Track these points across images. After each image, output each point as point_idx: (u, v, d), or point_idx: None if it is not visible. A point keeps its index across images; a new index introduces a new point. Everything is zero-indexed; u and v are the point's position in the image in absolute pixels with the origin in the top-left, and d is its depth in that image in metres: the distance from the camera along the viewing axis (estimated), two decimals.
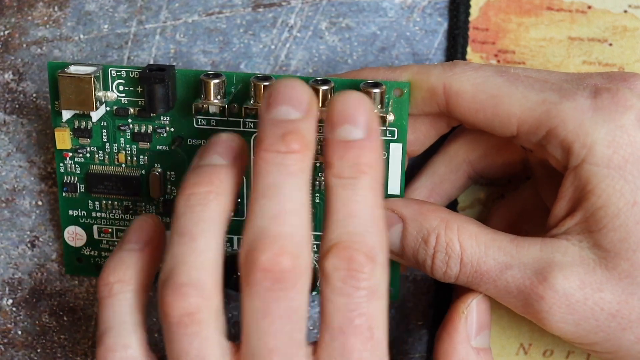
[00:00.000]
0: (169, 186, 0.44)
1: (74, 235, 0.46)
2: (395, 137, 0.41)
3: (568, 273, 0.38)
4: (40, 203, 0.48)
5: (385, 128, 0.41)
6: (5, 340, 0.49)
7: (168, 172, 0.44)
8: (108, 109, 0.43)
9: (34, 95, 0.47)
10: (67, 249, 0.46)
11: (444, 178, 0.44)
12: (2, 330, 0.49)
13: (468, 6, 0.45)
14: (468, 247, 0.39)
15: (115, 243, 0.45)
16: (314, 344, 0.36)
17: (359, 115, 0.36)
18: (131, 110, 0.42)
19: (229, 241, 0.44)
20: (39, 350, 0.49)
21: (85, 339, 0.49)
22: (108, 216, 0.45)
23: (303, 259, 0.35)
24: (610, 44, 0.45)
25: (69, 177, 0.44)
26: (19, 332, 0.49)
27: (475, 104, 0.39)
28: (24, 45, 0.47)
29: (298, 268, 0.35)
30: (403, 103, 0.41)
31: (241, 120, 0.42)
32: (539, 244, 0.39)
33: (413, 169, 0.47)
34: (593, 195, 0.38)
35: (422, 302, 0.49)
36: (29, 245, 0.49)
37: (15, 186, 0.48)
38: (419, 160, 0.46)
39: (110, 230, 0.45)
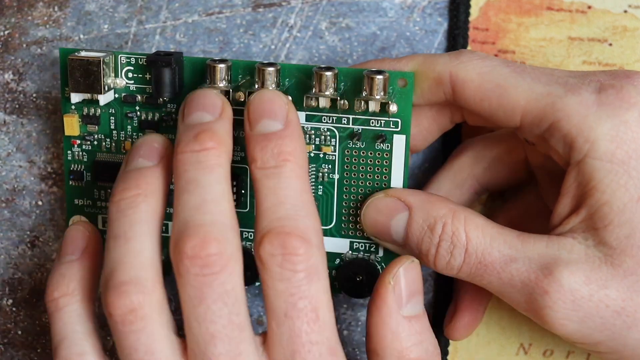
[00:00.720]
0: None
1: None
2: (399, 129, 0.41)
3: (574, 269, 0.38)
4: (40, 203, 0.48)
5: (388, 118, 0.41)
6: (5, 340, 0.49)
7: None
8: (117, 95, 0.43)
9: (34, 95, 0.47)
10: None
11: (449, 194, 0.44)
12: (2, 330, 0.49)
13: (468, 6, 0.45)
14: (474, 237, 0.39)
15: None
16: (263, 334, 0.37)
17: (274, 108, 0.38)
18: (139, 97, 0.43)
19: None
20: (39, 350, 0.49)
21: None
22: None
23: (229, 243, 0.35)
24: (610, 44, 0.45)
25: (75, 165, 0.44)
26: (19, 332, 0.49)
27: (481, 92, 0.39)
28: (24, 45, 0.47)
29: (224, 252, 0.35)
30: (407, 94, 0.41)
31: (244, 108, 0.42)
32: (545, 241, 0.39)
33: (418, 181, 0.47)
34: (597, 191, 0.37)
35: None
36: (29, 245, 0.49)
37: (15, 186, 0.48)
38: (422, 176, 0.46)
39: None
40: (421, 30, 0.46)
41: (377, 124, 0.41)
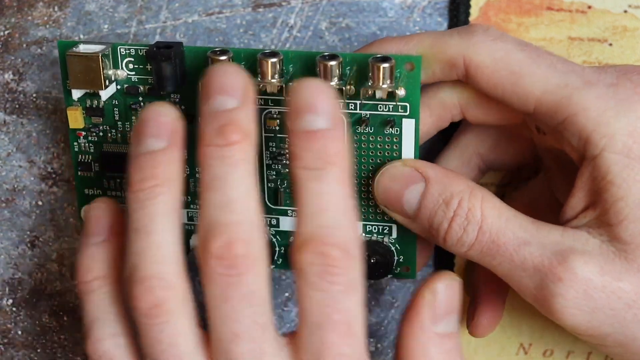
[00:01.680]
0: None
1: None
2: (408, 113, 0.41)
3: (588, 259, 0.37)
4: (40, 203, 0.48)
5: (395, 103, 0.41)
6: (5, 340, 0.49)
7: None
8: (119, 87, 0.42)
9: (34, 95, 0.47)
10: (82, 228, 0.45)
11: (456, 170, 0.43)
12: (2, 330, 0.49)
13: (468, 6, 0.45)
14: (489, 216, 0.38)
15: None
16: (290, 335, 0.36)
17: (321, 103, 0.35)
18: (141, 88, 0.42)
19: None
20: (39, 350, 0.49)
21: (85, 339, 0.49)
22: (123, 195, 0.44)
23: (255, 243, 0.35)
24: (610, 44, 0.45)
25: (83, 156, 0.44)
26: (19, 332, 0.49)
27: (495, 79, 0.39)
28: (24, 45, 0.47)
29: (251, 253, 0.35)
30: (415, 77, 0.40)
31: None
32: (560, 231, 0.38)
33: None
34: (613, 186, 0.37)
35: None
36: (29, 245, 0.49)
37: (15, 186, 0.48)
38: (427, 153, 0.46)
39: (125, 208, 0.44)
40: (421, 31, 0.46)
41: (385, 109, 0.41)
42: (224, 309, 0.35)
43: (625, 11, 0.45)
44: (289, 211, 0.43)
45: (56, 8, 0.47)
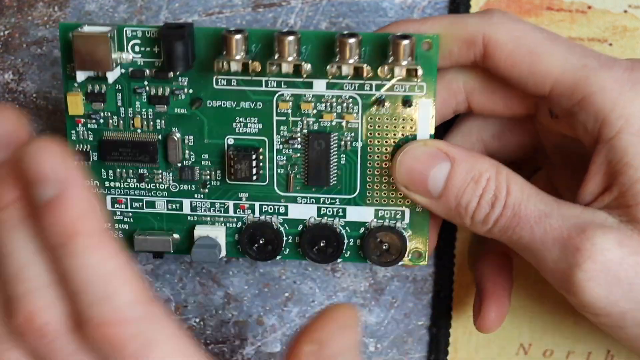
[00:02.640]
0: (187, 151, 0.42)
1: None
2: (424, 93, 0.40)
3: (607, 232, 0.37)
4: None
5: (413, 83, 0.40)
6: None
7: (186, 137, 0.42)
8: (123, 71, 0.41)
9: (34, 95, 0.47)
10: None
11: None
12: None
13: (468, 6, 0.45)
14: (514, 191, 0.39)
15: (130, 214, 0.43)
16: None
17: (43, 168, 0.31)
18: (147, 72, 0.41)
19: (250, 208, 0.43)
20: None
21: None
22: (122, 185, 0.43)
23: (50, 308, 0.32)
24: (610, 44, 0.45)
25: (81, 145, 0.43)
26: None
27: (513, 57, 0.39)
28: (24, 45, 0.47)
29: (52, 318, 0.32)
30: (432, 57, 0.40)
31: (263, 79, 0.41)
32: (580, 208, 0.38)
33: None
34: (630, 168, 0.37)
35: (422, 302, 0.49)
36: None
37: None
38: None
39: (124, 200, 0.43)
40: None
41: (402, 89, 0.40)
42: None
43: (625, 11, 0.45)
44: (298, 198, 0.43)
45: (56, 8, 0.47)
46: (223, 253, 0.43)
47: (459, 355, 0.49)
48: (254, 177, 0.42)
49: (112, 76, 0.41)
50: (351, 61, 0.39)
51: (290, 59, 0.39)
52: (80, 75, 0.40)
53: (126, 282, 0.32)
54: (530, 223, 0.38)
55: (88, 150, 0.43)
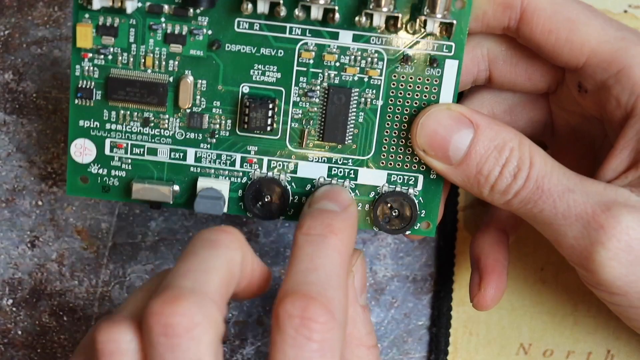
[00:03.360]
0: (199, 97, 0.40)
1: (82, 150, 0.41)
2: (452, 53, 0.40)
3: (632, 210, 0.37)
4: (40, 203, 0.48)
5: (441, 42, 0.39)
6: (5, 340, 0.49)
7: (199, 81, 0.40)
8: (140, 4, 0.39)
9: (34, 95, 0.47)
10: (71, 166, 0.42)
11: None
12: (2, 330, 0.49)
13: None
14: (537, 163, 0.38)
15: (129, 160, 0.41)
16: None
17: (335, 194, 0.39)
18: (166, 7, 0.39)
19: (258, 163, 0.41)
20: (39, 350, 0.49)
21: None
22: (124, 129, 0.41)
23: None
24: None
25: (85, 82, 0.40)
26: (19, 332, 0.49)
27: (551, 24, 0.39)
28: (24, 45, 0.47)
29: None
30: (464, 16, 0.39)
31: (288, 25, 0.40)
32: (603, 185, 0.38)
33: None
34: None
35: (422, 302, 0.49)
36: (29, 245, 0.49)
37: (15, 186, 0.48)
38: None
39: (124, 145, 0.41)
40: None
41: (430, 47, 0.40)
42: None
43: (625, 11, 0.45)
44: (310, 156, 0.41)
45: (56, 8, 0.47)
46: (225, 207, 0.41)
47: (459, 355, 0.49)
48: (268, 128, 0.40)
49: (131, 6, 0.38)
50: (385, 9, 0.38)
51: (321, 2, 0.38)
52: (97, 3, 0.38)
53: (343, 290, 0.36)
54: (553, 197, 0.38)
55: (92, 87, 0.40)
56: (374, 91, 0.40)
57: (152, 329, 0.33)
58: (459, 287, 0.48)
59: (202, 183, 0.41)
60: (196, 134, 0.41)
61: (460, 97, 0.44)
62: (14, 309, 0.49)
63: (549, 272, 0.48)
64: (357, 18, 0.38)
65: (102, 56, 0.40)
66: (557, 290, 0.48)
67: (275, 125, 0.41)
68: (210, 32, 0.40)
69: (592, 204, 0.37)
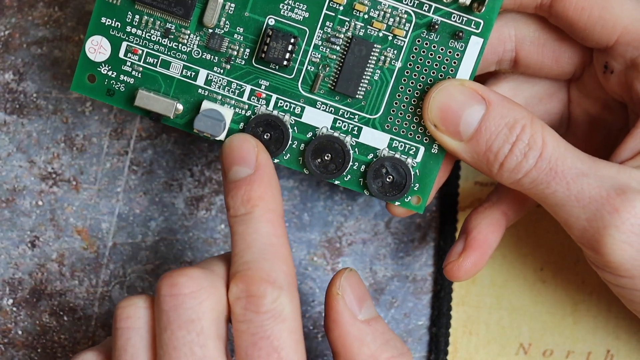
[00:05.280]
0: (224, 19, 0.40)
1: (97, 47, 0.41)
2: (479, 30, 0.40)
3: None
4: (40, 203, 0.48)
5: (471, 17, 0.39)
6: (6, 340, 0.49)
7: (229, 3, 0.40)
8: None
9: (34, 95, 0.47)
10: (82, 62, 0.41)
11: None
12: (2, 330, 0.49)
13: None
14: (550, 144, 0.38)
15: (140, 68, 0.41)
16: None
17: (243, 153, 0.39)
18: None
19: (266, 99, 0.41)
20: (39, 350, 0.49)
21: (85, 339, 0.49)
22: (144, 35, 0.41)
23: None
24: None
25: None
26: (19, 332, 0.49)
27: (584, 2, 0.39)
28: (24, 45, 0.47)
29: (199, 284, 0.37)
30: None
31: None
32: (616, 168, 0.38)
33: None
34: None
35: (422, 302, 0.49)
36: (29, 245, 0.49)
37: (15, 186, 0.48)
38: None
39: (139, 51, 0.41)
40: None
41: (459, 20, 0.40)
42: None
43: None
44: (318, 103, 0.41)
45: (56, 8, 0.47)
46: (224, 134, 0.41)
47: (459, 355, 0.49)
48: (285, 62, 0.40)
49: None
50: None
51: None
52: None
53: (281, 256, 0.37)
54: (567, 179, 0.38)
55: None
56: (395, 51, 0.40)
57: (160, 290, 0.36)
58: (459, 287, 0.48)
59: (207, 105, 0.41)
60: (212, 56, 0.41)
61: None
62: (14, 309, 0.49)
63: (549, 272, 0.48)
64: None
65: None
66: (557, 290, 0.48)
67: (291, 63, 0.41)
68: None
69: (606, 188, 0.38)
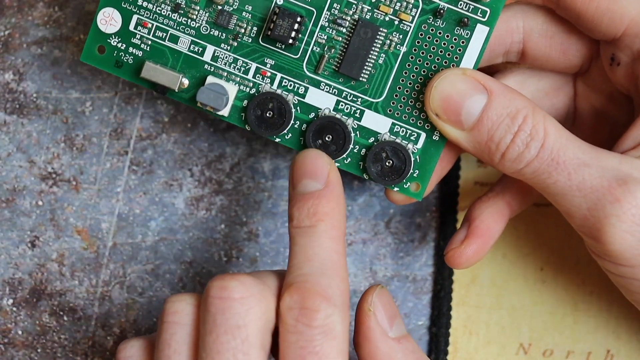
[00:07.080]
0: None
1: (108, 19, 0.42)
2: (485, 19, 0.40)
3: None
4: (40, 203, 0.48)
5: (477, 5, 0.39)
6: (6, 340, 0.49)
7: None
8: None
9: (34, 95, 0.47)
10: (93, 33, 0.42)
11: None
12: (2, 330, 0.49)
13: None
14: (551, 134, 0.38)
15: (149, 42, 0.42)
16: None
17: (316, 168, 0.39)
18: None
19: (271, 78, 0.42)
20: (39, 350, 0.49)
21: (85, 339, 0.49)
22: (154, 9, 0.42)
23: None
24: None
25: None
26: (19, 332, 0.49)
27: None
28: (24, 45, 0.47)
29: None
30: None
31: None
32: (618, 158, 0.38)
33: None
34: None
35: (422, 302, 0.49)
36: (29, 245, 0.49)
37: (15, 186, 0.48)
38: None
39: (149, 25, 0.42)
40: None
41: (465, 7, 0.40)
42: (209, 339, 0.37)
43: None
44: (322, 84, 0.41)
45: (56, 8, 0.47)
46: (227, 110, 0.41)
47: (459, 355, 0.49)
48: (290, 41, 0.40)
49: None
50: None
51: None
52: None
53: (341, 274, 0.37)
54: (569, 170, 0.38)
55: None
56: (401, 36, 0.41)
57: (209, 292, 0.36)
58: (459, 287, 0.48)
59: (212, 80, 0.41)
60: (220, 33, 0.41)
61: None
62: (14, 308, 0.49)
63: (549, 272, 0.48)
64: None
65: None
66: (557, 290, 0.48)
67: (297, 42, 0.41)
68: None
69: (608, 178, 0.38)
